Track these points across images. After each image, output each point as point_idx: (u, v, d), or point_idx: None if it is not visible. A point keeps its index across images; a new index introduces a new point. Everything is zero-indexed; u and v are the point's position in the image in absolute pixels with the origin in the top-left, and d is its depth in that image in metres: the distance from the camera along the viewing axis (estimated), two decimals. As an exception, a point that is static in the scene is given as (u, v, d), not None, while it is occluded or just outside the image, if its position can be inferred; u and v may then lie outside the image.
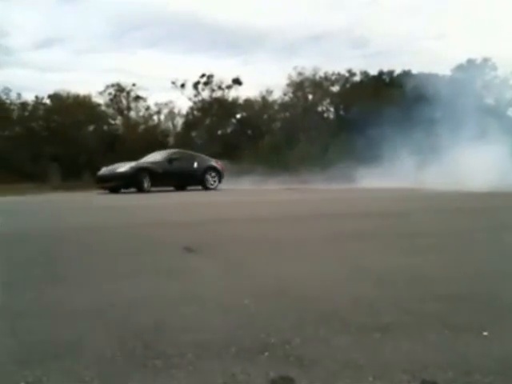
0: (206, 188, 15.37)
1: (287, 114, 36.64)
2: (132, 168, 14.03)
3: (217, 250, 3.67)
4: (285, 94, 37.39)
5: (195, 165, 15.43)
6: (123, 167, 14.18)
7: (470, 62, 35.10)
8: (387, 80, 35.31)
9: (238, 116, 37.64)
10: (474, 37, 48.34)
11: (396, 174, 17.25)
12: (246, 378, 1.47)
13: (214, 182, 15.56)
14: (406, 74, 34.42)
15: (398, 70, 35.65)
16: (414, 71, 34.82)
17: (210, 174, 15.52)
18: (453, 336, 1.81)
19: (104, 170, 14.85)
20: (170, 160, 14.99)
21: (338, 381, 1.45)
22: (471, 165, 14.80)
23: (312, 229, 5.02)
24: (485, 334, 1.82)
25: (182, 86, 37.83)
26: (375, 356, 1.63)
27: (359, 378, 1.45)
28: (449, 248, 3.74)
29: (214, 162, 16.13)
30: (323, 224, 5.42)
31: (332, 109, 36.47)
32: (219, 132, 36.26)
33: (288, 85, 37.05)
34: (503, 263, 3.20)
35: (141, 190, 13.83)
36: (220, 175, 15.84)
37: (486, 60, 35.11)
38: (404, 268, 2.98)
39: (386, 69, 36.18)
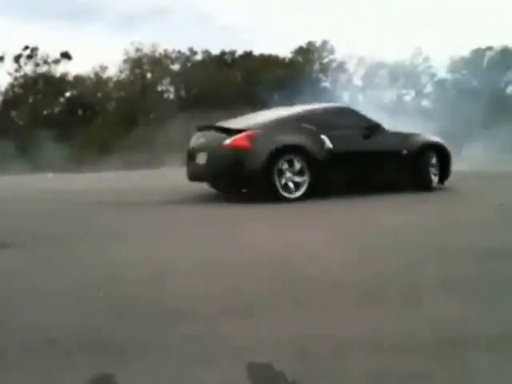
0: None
1: (123, 93, 36.36)
2: None
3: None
4: (121, 71, 36.96)
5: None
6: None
7: (311, 44, 37.97)
8: (229, 60, 36.94)
9: (68, 94, 36.35)
10: (314, 19, 52.37)
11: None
12: (60, 378, 1.44)
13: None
14: (248, 54, 36.38)
15: (240, 51, 37.35)
16: (256, 52, 36.84)
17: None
18: None
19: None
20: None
21: (162, 373, 1.46)
22: None
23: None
24: None
25: (1, 59, 35.44)
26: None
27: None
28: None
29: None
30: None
31: (172, 89, 37.10)
32: (45, 112, 34.69)
33: (125, 61, 36.70)
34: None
35: None
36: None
37: (325, 43, 38.20)
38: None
39: (228, 49, 37.72)
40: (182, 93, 35.80)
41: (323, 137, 6.37)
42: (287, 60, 36.51)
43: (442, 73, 34.45)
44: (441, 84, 32.77)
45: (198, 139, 6.79)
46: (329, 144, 6.39)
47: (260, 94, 30.28)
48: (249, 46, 45.50)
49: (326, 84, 35.79)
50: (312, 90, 29.47)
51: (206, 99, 31.22)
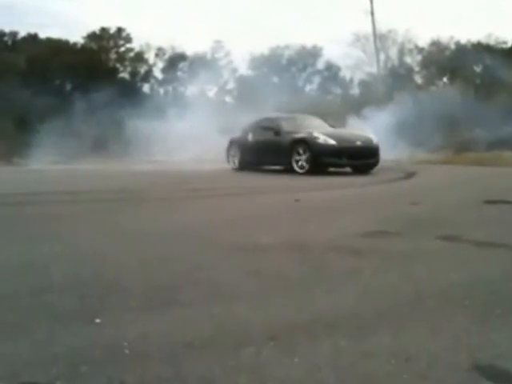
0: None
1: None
2: None
3: None
4: None
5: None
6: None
7: (105, 30, 37.98)
8: (9, 43, 35.35)
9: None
10: (108, 3, 52.24)
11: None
12: None
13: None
14: (32, 37, 35.22)
15: (23, 33, 35.68)
16: (43, 35, 35.67)
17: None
18: (62, 327, 1.94)
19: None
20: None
21: None
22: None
23: None
24: (97, 321, 2.01)
25: None
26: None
27: None
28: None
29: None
30: None
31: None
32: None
33: None
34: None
35: None
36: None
37: (120, 30, 38.50)
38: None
39: (8, 29, 35.82)
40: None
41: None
42: (79, 46, 36.09)
43: (243, 69, 37.50)
44: (242, 80, 35.69)
45: None
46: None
47: (49, 82, 29.76)
48: (34, 27, 43.66)
49: (125, 75, 36.36)
50: (109, 80, 29.92)
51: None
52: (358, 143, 10.92)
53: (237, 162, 12.82)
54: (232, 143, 13.12)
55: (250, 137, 12.52)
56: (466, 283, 2.59)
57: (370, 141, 11.22)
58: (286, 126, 11.79)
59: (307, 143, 10.78)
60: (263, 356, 1.71)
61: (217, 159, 13.56)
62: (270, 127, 11.90)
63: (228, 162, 13.10)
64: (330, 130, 11.88)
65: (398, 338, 1.87)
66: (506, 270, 2.89)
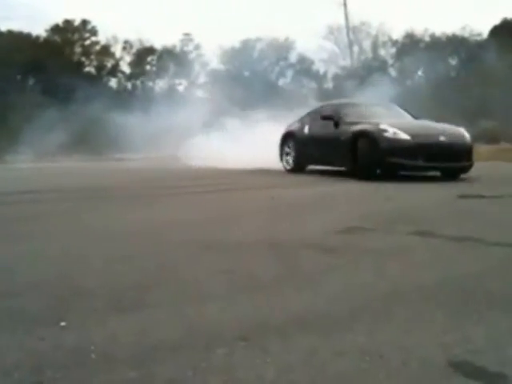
0: None
1: None
2: None
3: None
4: None
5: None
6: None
7: (68, 23, 37.40)
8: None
9: None
10: None
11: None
12: None
13: None
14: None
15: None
16: (4, 28, 34.95)
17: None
18: (26, 332, 1.91)
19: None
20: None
21: None
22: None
23: None
24: (63, 324, 1.99)
25: None
26: None
27: None
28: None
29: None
30: None
31: None
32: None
33: None
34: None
35: None
36: None
37: (85, 22, 38.02)
38: None
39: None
40: None
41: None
42: (42, 39, 35.50)
43: (215, 63, 37.32)
44: (214, 74, 35.51)
45: None
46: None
47: (10, 77, 29.27)
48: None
49: (90, 69, 35.97)
50: (74, 74, 29.57)
51: None
52: (442, 139, 8.36)
53: (291, 160, 10.60)
54: (286, 137, 10.81)
55: (307, 129, 10.29)
56: (441, 279, 2.62)
57: (461, 136, 8.74)
58: (348, 116, 9.42)
59: (370, 137, 8.46)
60: (235, 357, 1.71)
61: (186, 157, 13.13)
62: (329, 117, 9.52)
63: (281, 160, 10.84)
64: (408, 121, 9.62)
65: (373, 335, 1.89)
66: (481, 265, 2.94)
